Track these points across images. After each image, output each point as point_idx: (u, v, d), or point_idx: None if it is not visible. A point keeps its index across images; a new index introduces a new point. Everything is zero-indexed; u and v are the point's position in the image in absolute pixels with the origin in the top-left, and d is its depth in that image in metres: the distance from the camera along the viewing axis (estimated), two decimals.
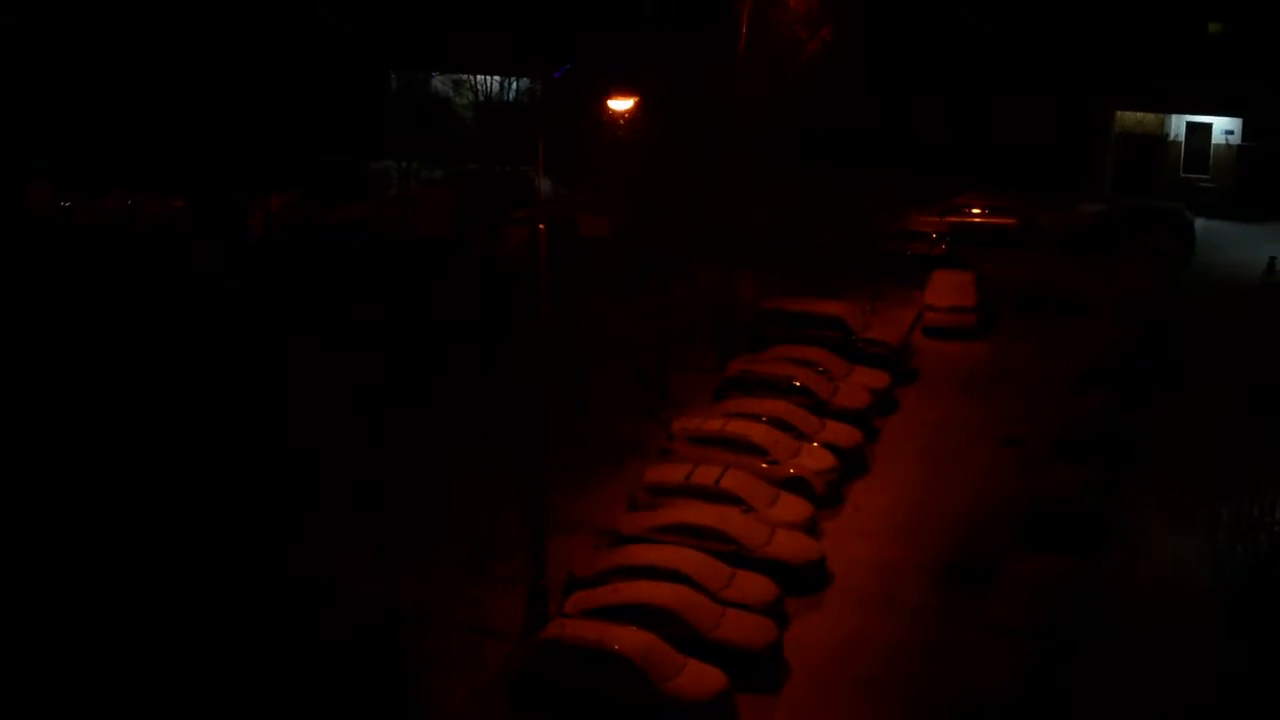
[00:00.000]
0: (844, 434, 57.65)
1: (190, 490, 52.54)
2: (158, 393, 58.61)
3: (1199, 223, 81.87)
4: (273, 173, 76.24)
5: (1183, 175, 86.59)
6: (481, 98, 76.36)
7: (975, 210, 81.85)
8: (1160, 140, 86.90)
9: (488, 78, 77.10)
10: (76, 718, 43.21)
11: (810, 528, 52.20)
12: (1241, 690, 43.37)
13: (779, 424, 56.51)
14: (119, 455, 54.65)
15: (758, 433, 55.47)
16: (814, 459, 55.36)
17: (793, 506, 52.55)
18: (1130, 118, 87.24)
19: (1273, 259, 74.54)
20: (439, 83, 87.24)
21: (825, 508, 54.18)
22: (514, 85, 77.70)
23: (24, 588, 47.84)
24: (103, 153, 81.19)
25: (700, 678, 43.22)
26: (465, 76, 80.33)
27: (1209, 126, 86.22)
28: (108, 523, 51.08)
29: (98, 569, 48.83)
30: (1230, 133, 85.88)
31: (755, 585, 47.67)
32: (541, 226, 47.18)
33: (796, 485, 54.13)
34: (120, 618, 46.54)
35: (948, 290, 70.50)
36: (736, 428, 55.70)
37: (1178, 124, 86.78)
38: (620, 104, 51.26)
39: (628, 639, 43.42)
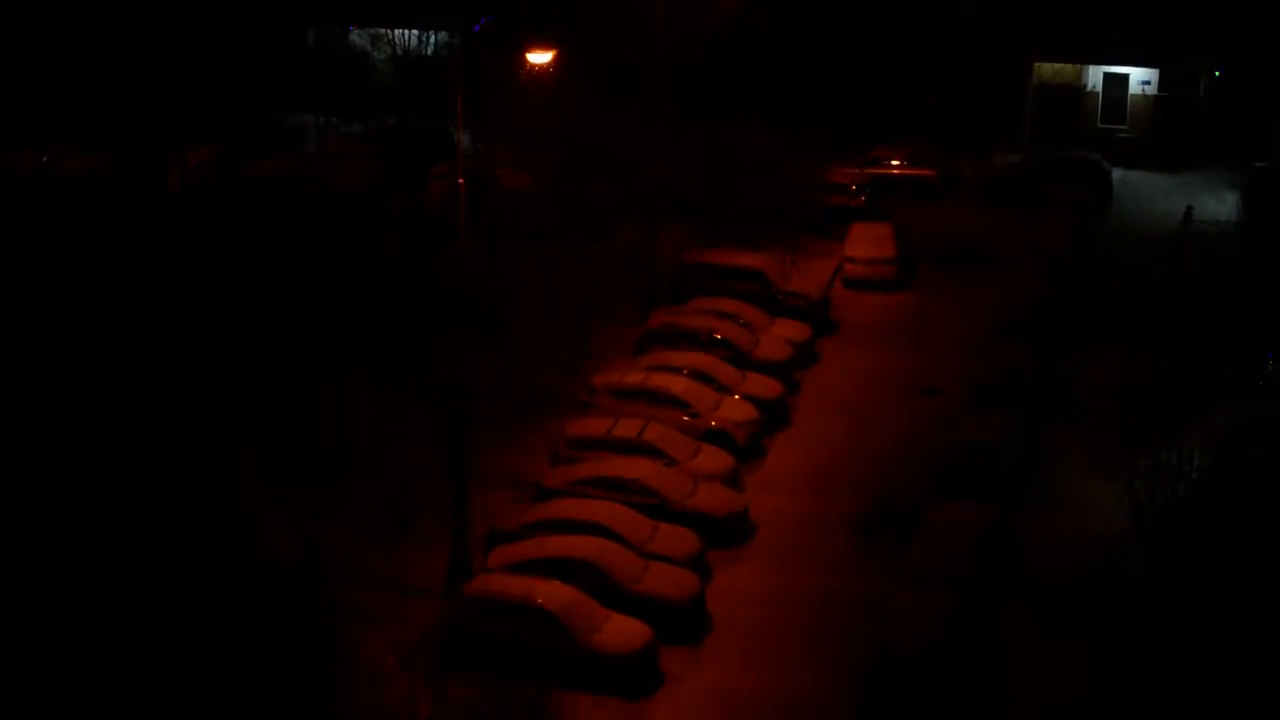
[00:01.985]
0: (765, 386, 57.77)
1: (107, 452, 52.05)
2: (72, 354, 57.99)
3: (1116, 173, 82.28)
4: (189, 128, 75.50)
5: (1100, 126, 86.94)
6: (400, 52, 76.06)
7: (894, 162, 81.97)
8: (1078, 91, 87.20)
9: (406, 31, 76.73)
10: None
11: (732, 480, 52.32)
12: (1162, 635, 43.77)
13: (700, 377, 56.59)
14: (32, 420, 54.10)
15: (679, 386, 55.53)
16: (735, 411, 55.46)
17: (714, 459, 52.66)
18: (1048, 68, 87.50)
19: (1190, 208, 75.07)
20: (357, 37, 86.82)
21: (746, 460, 54.29)
22: (432, 39, 77.38)
23: None
24: (16, 107, 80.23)
25: (624, 631, 43.34)
26: (383, 30, 79.95)
27: (1126, 77, 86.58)
28: (31, 483, 50.62)
29: (22, 533, 48.45)
30: (1147, 83, 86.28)
31: (678, 538, 47.79)
32: (461, 181, 46.99)
33: (718, 438, 54.22)
34: (39, 583, 46.19)
35: (867, 242, 70.65)
36: (658, 381, 55.74)
37: (1095, 75, 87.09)
38: (539, 57, 51.05)
39: (551, 593, 43.48)
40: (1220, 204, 78.16)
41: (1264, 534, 44.25)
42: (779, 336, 61.68)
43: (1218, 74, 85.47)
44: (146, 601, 45.28)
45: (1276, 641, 41.46)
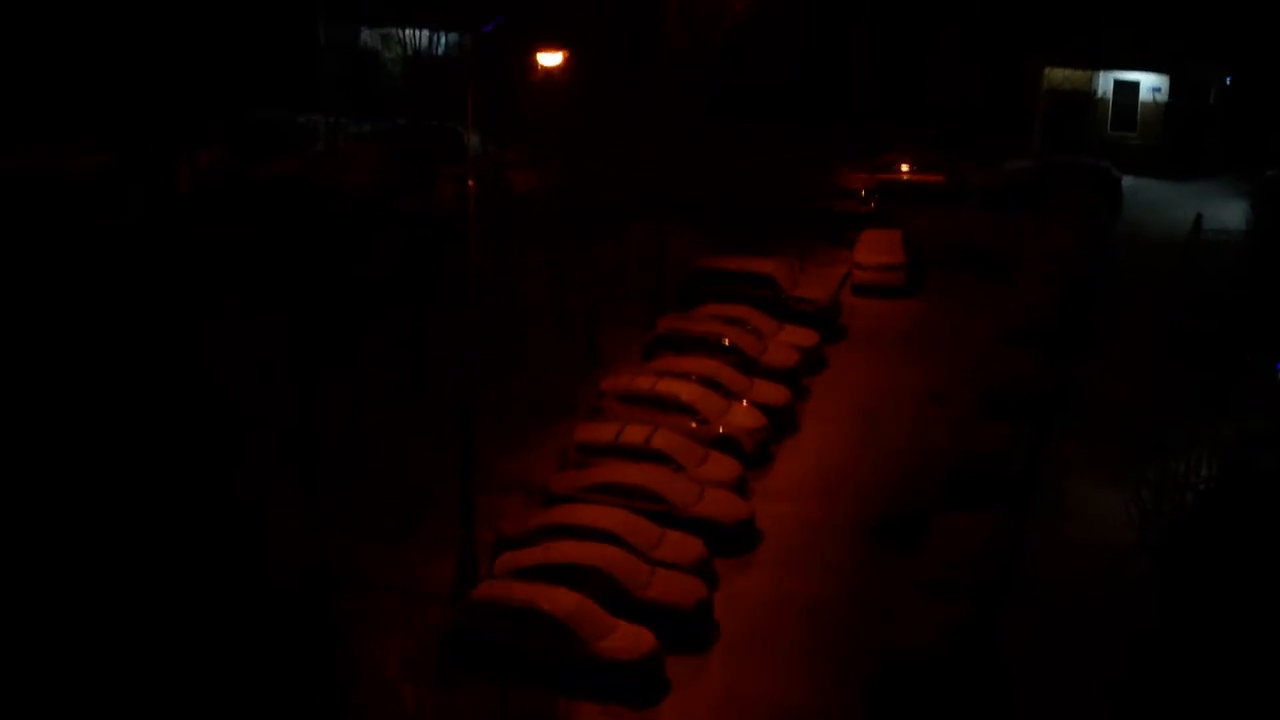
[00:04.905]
0: (773, 392, 57.74)
1: (116, 453, 52.08)
2: (81, 353, 58.02)
3: (1126, 180, 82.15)
4: (200, 127, 75.56)
5: (1110, 132, 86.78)
6: (410, 51, 75.95)
7: (904, 168, 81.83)
8: (1088, 97, 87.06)
9: (417, 31, 76.67)
10: None
11: (740, 487, 52.31)
12: (1167, 645, 43.74)
13: (708, 383, 56.55)
14: (45, 416, 54.13)
15: (687, 392, 55.50)
16: (743, 418, 55.44)
17: (722, 465, 52.65)
18: (1058, 75, 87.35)
19: (1199, 216, 74.96)
20: (368, 36, 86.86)
21: (754, 467, 54.26)
22: (443, 39, 77.32)
23: None
24: (28, 106, 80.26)
25: (630, 638, 43.33)
26: (394, 30, 79.92)
27: (1137, 84, 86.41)
28: (37, 483, 50.63)
29: (25, 528, 48.46)
30: (1158, 90, 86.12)
31: (685, 545, 47.77)
32: (471, 182, 46.99)
33: (726, 444, 54.19)
34: (48, 581, 46.21)
35: (876, 248, 70.57)
36: (666, 387, 55.71)
37: (1106, 81, 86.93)
38: (549, 58, 50.99)
39: (557, 599, 43.48)
40: (1230, 212, 77.94)
41: (1272, 544, 44.21)
42: (787, 342, 61.63)
43: (1228, 81, 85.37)
44: (154, 603, 45.33)
45: None
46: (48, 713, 41.64)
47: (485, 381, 51.82)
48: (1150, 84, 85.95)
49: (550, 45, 50.01)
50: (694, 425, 54.47)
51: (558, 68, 52.37)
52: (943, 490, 51.64)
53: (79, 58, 78.40)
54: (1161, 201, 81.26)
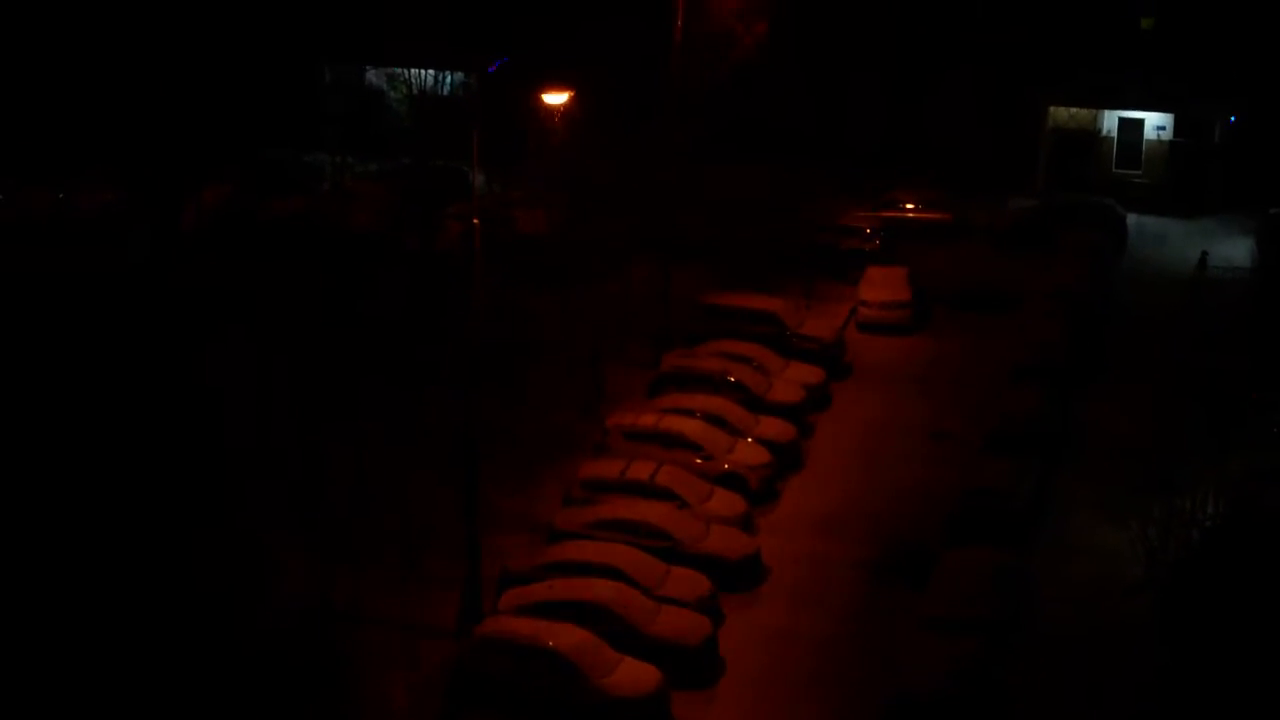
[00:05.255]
0: (778, 429, 57.70)
1: (122, 489, 52.11)
2: (89, 388, 58.10)
3: (1131, 218, 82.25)
4: (206, 166, 75.75)
5: (1115, 171, 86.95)
6: (416, 91, 76.20)
7: (909, 205, 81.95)
8: (1093, 136, 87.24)
9: (422, 72, 76.90)
10: None
11: (745, 523, 52.24)
12: (1174, 683, 43.63)
13: (714, 420, 56.51)
14: (49, 451, 54.16)
15: (692, 428, 55.47)
16: (749, 454, 55.40)
17: (728, 502, 52.59)
18: (1063, 113, 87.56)
19: (1205, 253, 74.99)
20: (373, 76, 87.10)
21: (760, 503, 54.21)
22: (448, 79, 77.56)
23: None
24: (32, 146, 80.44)
25: (636, 674, 43.20)
26: (399, 70, 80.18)
27: (1141, 122, 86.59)
28: (35, 519, 50.64)
29: (27, 561, 48.46)
30: (1162, 128, 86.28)
31: (690, 581, 47.68)
32: (476, 221, 47.04)
33: (731, 481, 54.15)
34: (53, 613, 46.19)
35: (882, 286, 70.61)
36: (671, 423, 55.67)
37: (1110, 119, 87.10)
38: (555, 98, 51.12)
39: (563, 636, 43.37)
40: (1235, 249, 78.09)
41: (1278, 581, 44.15)
42: (793, 379, 61.61)
43: (1232, 119, 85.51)
44: (158, 637, 45.30)
45: None
46: None
47: (490, 418, 51.78)
48: (1155, 122, 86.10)
49: (555, 85, 50.15)
50: (699, 462, 54.43)
51: (563, 107, 52.52)
52: (949, 526, 51.57)
53: (85, 97, 78.61)
54: (1167, 239, 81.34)
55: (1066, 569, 50.56)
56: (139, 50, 76.35)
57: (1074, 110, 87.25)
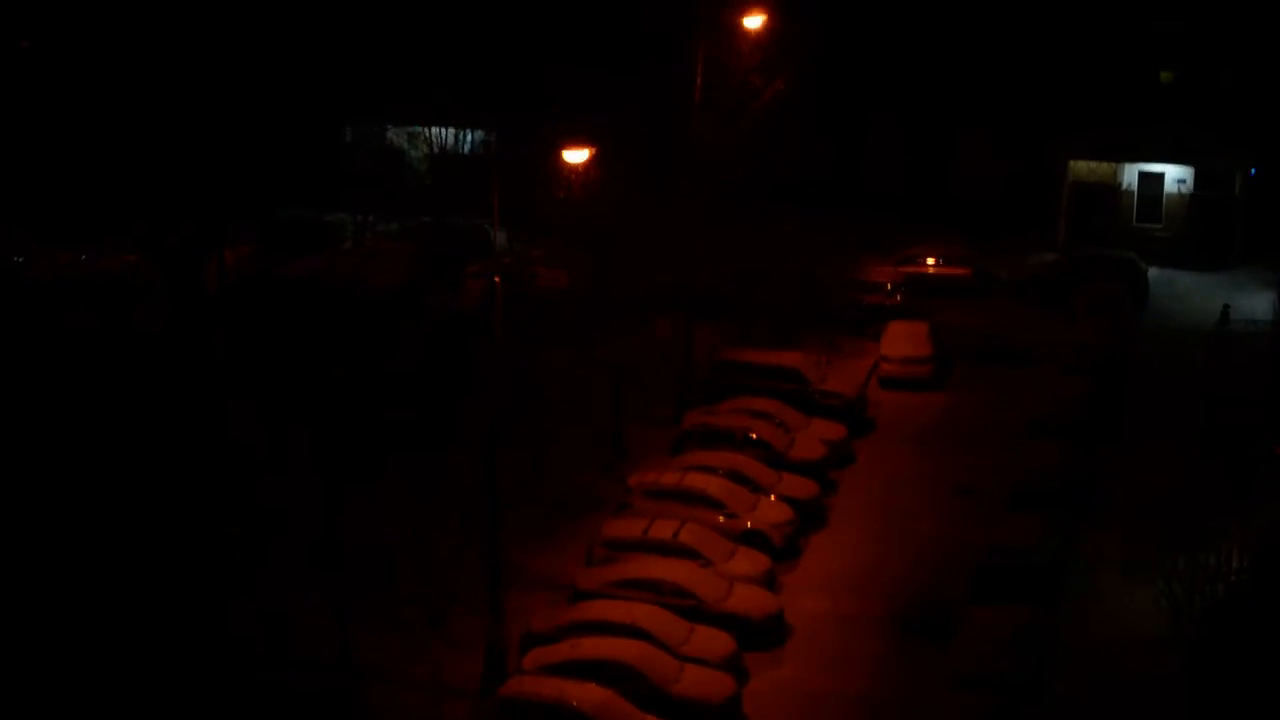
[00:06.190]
0: (801, 486, 57.60)
1: (145, 550, 52.17)
2: (111, 450, 58.19)
3: (1152, 271, 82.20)
4: (228, 226, 75.96)
5: (1136, 224, 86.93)
6: (436, 150, 76.44)
7: (929, 261, 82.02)
8: (1114, 189, 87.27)
9: (442, 130, 77.15)
10: None
11: (768, 581, 52.11)
12: None
13: (736, 477, 56.44)
14: (71, 515, 54.24)
15: (715, 486, 55.39)
16: (771, 512, 55.29)
17: (750, 560, 52.47)
18: (1083, 167, 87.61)
19: (1226, 307, 74.87)
20: (394, 135, 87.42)
21: (783, 561, 54.08)
22: (468, 137, 77.78)
23: None
24: (56, 207, 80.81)
25: None
26: (420, 128, 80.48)
27: (1162, 175, 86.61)
28: (65, 583, 50.69)
29: (51, 632, 48.46)
30: (1183, 181, 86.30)
31: (714, 640, 47.54)
32: (498, 279, 47.08)
33: (754, 539, 54.03)
34: (80, 678, 46.19)
35: (903, 341, 70.60)
36: (693, 481, 55.60)
37: (1131, 173, 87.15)
38: (575, 155, 51.19)
39: (586, 695, 43.25)
40: (1258, 302, 77.96)
41: None
42: (815, 436, 61.54)
43: (1253, 172, 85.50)
44: (185, 697, 45.27)
45: None
46: None
47: (512, 477, 51.74)
48: (1175, 175, 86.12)
49: (577, 142, 50.21)
50: (722, 520, 54.34)
51: (584, 164, 52.59)
52: (973, 583, 51.38)
53: (107, 158, 78.98)
54: (1188, 292, 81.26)
55: (1091, 625, 50.35)
56: (161, 111, 76.69)
57: (1094, 164, 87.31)
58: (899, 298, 76.94)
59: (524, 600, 49.83)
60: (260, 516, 53.63)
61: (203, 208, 73.52)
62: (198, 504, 54.91)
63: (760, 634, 49.31)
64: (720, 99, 66.52)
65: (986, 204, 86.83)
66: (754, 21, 67.23)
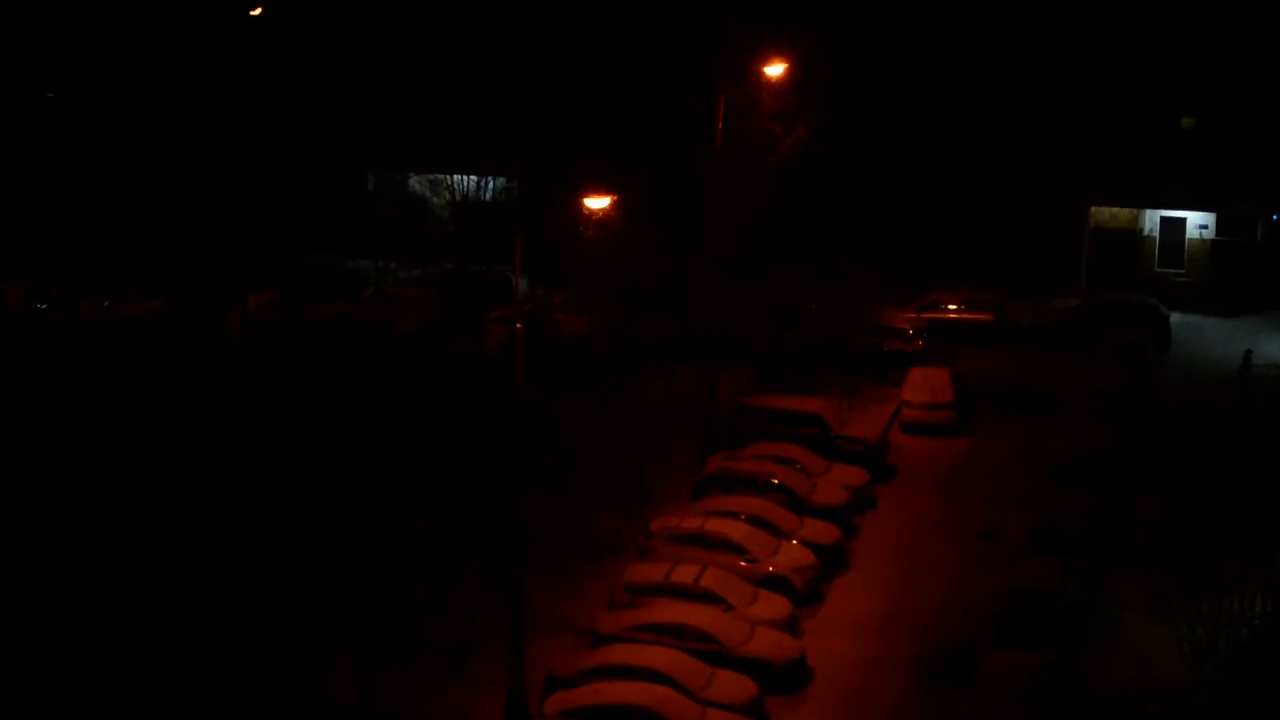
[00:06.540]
0: (823, 531, 57.56)
1: (165, 593, 52.17)
2: (134, 495, 58.26)
3: (1175, 317, 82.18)
4: (251, 273, 76.25)
5: (1158, 270, 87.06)
6: (458, 197, 76.77)
7: (951, 306, 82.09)
8: (1135, 235, 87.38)
9: (464, 177, 77.50)
10: None
11: (790, 626, 52.02)
12: None
13: (758, 522, 56.41)
14: (92, 559, 54.29)
15: (737, 531, 55.35)
16: (793, 557, 55.24)
17: (772, 605, 52.39)
18: (1105, 213, 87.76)
19: (1249, 352, 74.79)
20: (416, 182, 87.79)
21: (805, 605, 54.00)
22: (490, 184, 78.13)
23: None
24: (80, 253, 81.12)
25: None
26: (442, 176, 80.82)
27: (1183, 221, 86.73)
28: (83, 626, 50.69)
29: (72, 671, 48.47)
30: (1204, 227, 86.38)
31: (736, 684, 47.43)
32: (520, 325, 47.18)
33: (776, 583, 53.97)
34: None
35: (925, 387, 70.60)
36: (715, 526, 55.56)
37: (1152, 219, 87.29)
38: (596, 203, 51.31)
39: None
40: (1279, 347, 77.86)
41: None
42: (836, 481, 61.50)
43: (1275, 218, 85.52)
44: None
45: None
46: None
47: (534, 521, 51.72)
48: (1196, 221, 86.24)
49: (598, 189, 50.31)
50: (744, 564, 54.28)
51: (605, 210, 52.73)
52: (996, 627, 51.26)
53: (130, 205, 79.32)
54: (1211, 337, 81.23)
55: (1114, 669, 50.17)
56: (184, 158, 77.05)
57: (1116, 210, 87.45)
58: (921, 343, 76.97)
59: (546, 644, 49.76)
60: (281, 559, 53.68)
61: (226, 254, 73.77)
62: (218, 547, 54.92)
63: (782, 678, 49.18)
64: (741, 146, 66.74)
65: (1009, 250, 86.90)
66: (775, 70, 67.46)
